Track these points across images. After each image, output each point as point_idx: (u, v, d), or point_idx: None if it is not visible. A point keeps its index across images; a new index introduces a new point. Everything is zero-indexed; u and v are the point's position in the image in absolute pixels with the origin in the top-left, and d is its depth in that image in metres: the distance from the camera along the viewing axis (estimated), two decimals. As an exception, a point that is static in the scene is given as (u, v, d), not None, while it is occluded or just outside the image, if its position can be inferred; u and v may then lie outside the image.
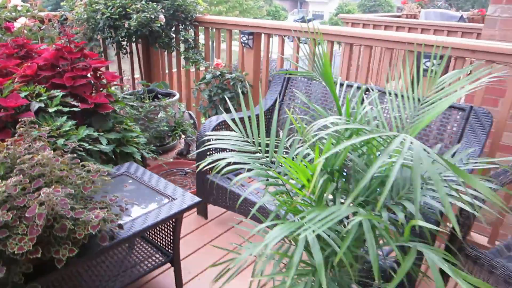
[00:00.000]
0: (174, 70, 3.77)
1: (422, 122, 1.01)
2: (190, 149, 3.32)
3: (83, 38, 2.87)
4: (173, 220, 1.74)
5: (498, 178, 1.65)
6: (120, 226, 1.39)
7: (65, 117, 1.78)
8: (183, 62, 3.40)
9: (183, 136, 3.25)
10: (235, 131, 1.48)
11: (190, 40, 3.24)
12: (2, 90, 1.71)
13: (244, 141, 1.41)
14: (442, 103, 1.09)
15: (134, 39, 3.02)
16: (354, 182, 1.27)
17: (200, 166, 1.31)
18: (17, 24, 2.51)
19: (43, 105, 1.74)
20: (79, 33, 2.79)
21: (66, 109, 1.81)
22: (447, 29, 3.90)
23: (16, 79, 1.83)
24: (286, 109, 2.38)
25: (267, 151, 1.41)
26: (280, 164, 1.32)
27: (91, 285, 1.66)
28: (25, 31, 2.52)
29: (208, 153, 2.29)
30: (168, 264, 2.03)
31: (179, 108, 3.21)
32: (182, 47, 3.30)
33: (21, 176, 1.17)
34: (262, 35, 2.98)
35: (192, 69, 3.43)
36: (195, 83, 3.01)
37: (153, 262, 1.83)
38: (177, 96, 3.35)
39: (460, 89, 1.16)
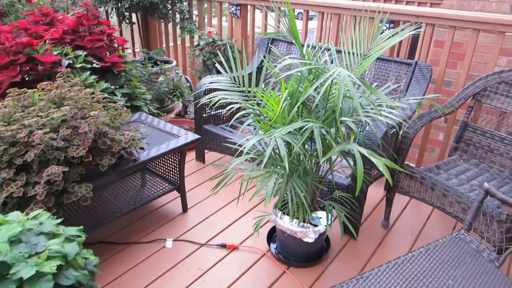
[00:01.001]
0: (171, 43, 4.16)
1: (362, 66, 1.47)
2: (187, 110, 3.76)
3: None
4: (179, 152, 2.20)
5: (422, 118, 2.13)
6: (142, 148, 1.86)
7: (88, 73, 2.21)
8: (178, 32, 3.79)
9: (180, 99, 3.68)
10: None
11: (185, 11, 3.63)
12: (38, 50, 2.12)
13: (232, 83, 1.86)
14: (374, 54, 1.56)
15: (135, 10, 3.40)
16: (313, 112, 1.74)
17: (200, 102, 1.76)
18: (35, -3, 2.88)
19: (71, 61, 2.17)
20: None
21: (88, 66, 2.24)
22: (417, 1, 4.32)
23: (47, 41, 2.24)
24: (263, 56, 2.81)
25: (250, 93, 1.87)
26: (260, 99, 1.78)
27: (113, 205, 2.14)
28: (41, 2, 2.90)
29: (204, 107, 2.74)
30: (175, 195, 2.52)
31: (177, 73, 3.63)
32: (178, 18, 3.69)
33: (72, 105, 1.62)
34: (248, 6, 3.38)
35: (187, 44, 3.83)
36: (191, 49, 3.43)
37: (163, 189, 2.31)
38: (174, 63, 3.76)
39: (386, 43, 1.63)
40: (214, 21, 3.95)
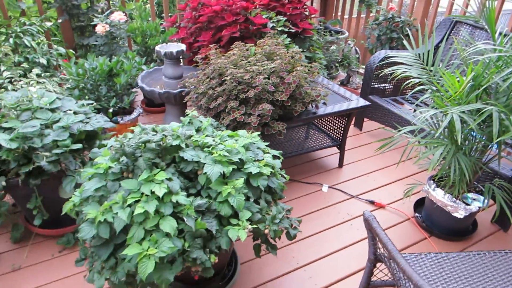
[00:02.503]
0: (346, 15, 4.39)
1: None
2: (350, 80, 4.01)
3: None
4: (349, 114, 2.51)
5: None
6: (325, 103, 2.23)
7: (285, 35, 2.64)
8: (355, 4, 3.99)
9: (346, 68, 3.94)
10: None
11: (368, -15, 3.80)
12: (251, 12, 2.64)
13: (415, 59, 2.05)
14: None
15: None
16: (494, 97, 1.82)
17: (384, 71, 2.01)
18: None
19: (274, 25, 2.63)
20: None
21: (286, 29, 2.68)
22: None
23: (257, 6, 2.75)
24: (454, 38, 2.84)
25: (431, 71, 2.03)
26: (440, 77, 1.93)
27: (285, 147, 2.59)
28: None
29: (373, 79, 2.96)
30: (332, 151, 2.87)
31: (349, 44, 3.88)
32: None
33: (280, 60, 2.06)
34: (436, -16, 3.36)
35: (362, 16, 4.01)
36: (368, 22, 3.62)
37: (325, 143, 2.67)
38: (347, 33, 4.01)
39: None
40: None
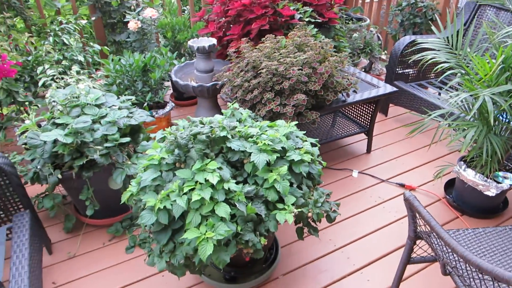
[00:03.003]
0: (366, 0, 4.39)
1: None
2: (372, 66, 4.04)
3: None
4: (376, 101, 2.57)
5: None
6: (355, 91, 2.29)
7: (312, 26, 2.70)
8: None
9: (368, 55, 3.97)
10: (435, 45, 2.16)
11: (389, -30, 3.79)
12: (278, 4, 2.70)
13: (445, 44, 2.09)
14: None
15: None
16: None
17: (413, 58, 2.06)
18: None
19: (301, 16, 2.69)
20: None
21: (313, 20, 2.73)
22: None
23: (283, -2, 2.80)
24: (484, 22, 2.86)
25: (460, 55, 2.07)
26: (470, 60, 1.98)
27: (313, 135, 2.67)
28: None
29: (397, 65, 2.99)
30: (361, 137, 2.94)
31: (371, 30, 3.90)
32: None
33: (311, 51, 2.13)
34: (459, -33, 3.34)
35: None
36: (391, 8, 3.63)
37: (353, 130, 2.74)
38: (368, 20, 4.03)
39: None
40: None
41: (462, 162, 2.16)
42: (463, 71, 2.01)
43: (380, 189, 2.44)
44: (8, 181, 1.78)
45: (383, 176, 2.55)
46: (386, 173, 2.58)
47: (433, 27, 2.08)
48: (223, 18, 2.75)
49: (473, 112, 1.69)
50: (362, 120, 2.77)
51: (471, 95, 1.87)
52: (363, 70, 4.08)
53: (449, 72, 2.05)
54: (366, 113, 2.72)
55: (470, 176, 2.08)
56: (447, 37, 2.13)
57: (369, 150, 2.80)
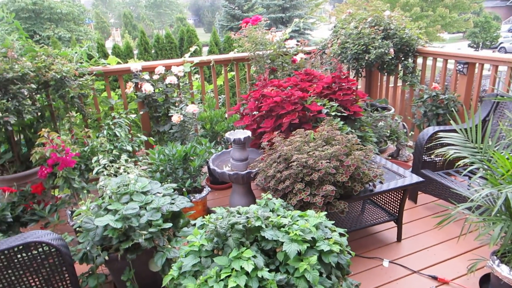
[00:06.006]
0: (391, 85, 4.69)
1: None
2: (400, 153, 4.18)
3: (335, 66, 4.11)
4: (404, 190, 2.67)
5: None
6: (381, 182, 2.42)
7: (338, 119, 2.94)
8: (399, 82, 4.29)
9: (395, 142, 4.13)
10: (455, 137, 2.31)
11: (410, 66, 4.12)
12: (307, 100, 2.99)
13: (464, 140, 2.23)
14: None
15: (369, 67, 4.10)
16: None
17: (435, 152, 2.20)
18: (298, 58, 3.90)
19: (328, 110, 2.95)
20: (332, 63, 4.05)
21: (339, 114, 2.98)
22: None
23: (311, 95, 3.11)
24: (500, 123, 2.99)
25: (481, 150, 2.20)
26: (491, 156, 2.09)
27: (343, 222, 2.75)
28: (305, 65, 3.88)
29: (423, 153, 3.12)
30: (391, 224, 2.98)
31: (396, 119, 4.12)
32: (400, 72, 4.20)
33: (339, 145, 2.32)
34: (476, 64, 3.60)
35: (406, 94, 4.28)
36: (414, 101, 3.87)
37: (382, 218, 2.80)
38: (393, 110, 4.27)
39: None
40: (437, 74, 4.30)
41: (495, 257, 2.16)
42: (485, 166, 2.11)
43: (412, 281, 2.42)
44: (62, 261, 1.95)
45: (415, 267, 2.54)
46: (417, 263, 2.58)
47: (452, 122, 2.24)
48: (257, 112, 3.05)
49: (496, 208, 1.77)
50: (391, 207, 2.84)
51: (496, 190, 1.96)
52: (390, 157, 4.22)
53: (472, 167, 2.16)
54: (394, 200, 2.80)
55: (505, 272, 2.06)
56: (466, 130, 2.27)
57: (399, 238, 2.83)
